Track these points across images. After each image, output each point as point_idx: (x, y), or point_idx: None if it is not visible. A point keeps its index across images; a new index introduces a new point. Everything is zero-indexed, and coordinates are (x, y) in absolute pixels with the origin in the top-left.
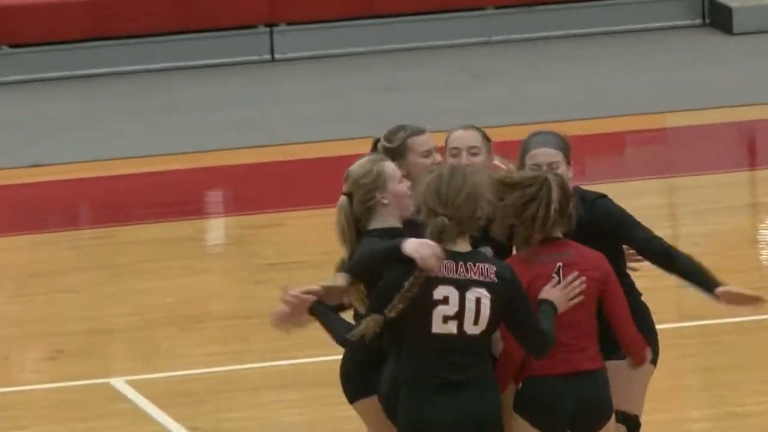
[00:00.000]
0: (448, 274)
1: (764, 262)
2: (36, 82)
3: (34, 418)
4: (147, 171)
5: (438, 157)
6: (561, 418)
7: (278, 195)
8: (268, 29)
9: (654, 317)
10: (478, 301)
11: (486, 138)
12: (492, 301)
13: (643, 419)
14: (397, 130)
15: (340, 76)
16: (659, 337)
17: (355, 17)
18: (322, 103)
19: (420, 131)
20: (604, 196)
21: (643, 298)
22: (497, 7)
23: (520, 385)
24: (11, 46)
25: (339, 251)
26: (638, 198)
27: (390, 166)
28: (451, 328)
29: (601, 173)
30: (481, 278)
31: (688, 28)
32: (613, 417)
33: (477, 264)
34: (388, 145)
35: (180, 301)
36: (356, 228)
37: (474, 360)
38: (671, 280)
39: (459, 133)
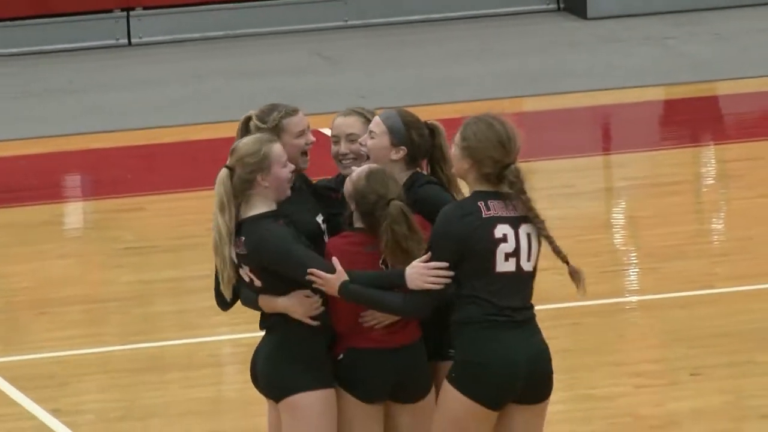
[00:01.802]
0: (501, 212)
1: (618, 246)
2: None
3: None
4: (0, 156)
5: (311, 137)
6: (382, 389)
7: (137, 179)
8: (124, 13)
9: None
10: (528, 236)
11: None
12: (537, 235)
13: None
14: (270, 109)
15: (198, 60)
16: None
17: (211, 2)
18: (180, 87)
19: (293, 111)
20: (431, 182)
21: None
22: None
23: (341, 356)
24: None
25: (198, 235)
26: None
27: (277, 150)
28: (511, 266)
29: None
30: (525, 213)
31: (543, 12)
32: (432, 391)
33: (513, 202)
34: (261, 125)
35: (37, 286)
36: (235, 202)
37: (528, 299)
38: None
39: (338, 121)
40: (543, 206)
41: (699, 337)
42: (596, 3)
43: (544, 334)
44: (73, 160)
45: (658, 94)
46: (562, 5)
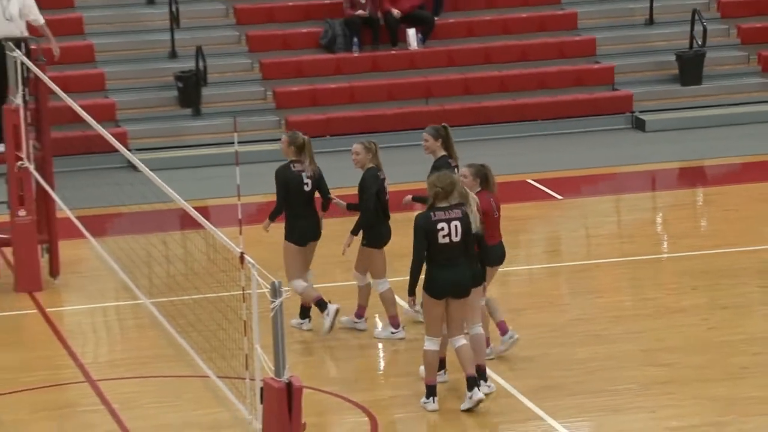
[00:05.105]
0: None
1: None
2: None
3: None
4: None
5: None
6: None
7: None
8: None
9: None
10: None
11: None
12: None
13: (528, 300)
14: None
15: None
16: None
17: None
18: None
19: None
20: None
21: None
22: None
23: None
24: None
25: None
26: (595, 194)
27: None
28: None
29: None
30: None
31: (625, 129)
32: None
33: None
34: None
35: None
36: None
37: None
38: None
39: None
40: (624, 215)
41: (648, 277)
42: (651, 125)
43: (578, 275)
44: None
45: (675, 165)
46: (634, 125)
